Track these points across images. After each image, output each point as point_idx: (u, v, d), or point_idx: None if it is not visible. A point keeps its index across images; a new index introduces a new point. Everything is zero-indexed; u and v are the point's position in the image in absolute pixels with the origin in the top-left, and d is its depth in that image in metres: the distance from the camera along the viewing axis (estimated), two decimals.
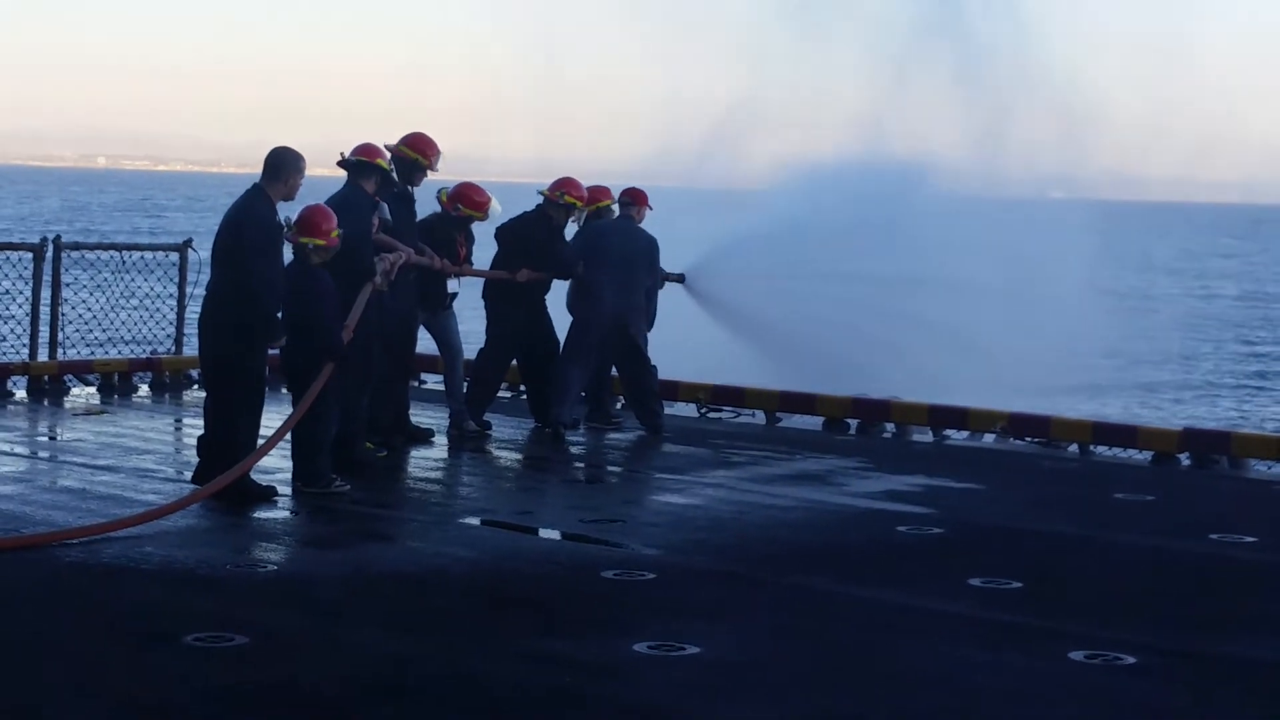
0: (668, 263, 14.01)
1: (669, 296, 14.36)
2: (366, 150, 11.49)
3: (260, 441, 10.06)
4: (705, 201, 17.70)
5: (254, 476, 10.02)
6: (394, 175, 11.78)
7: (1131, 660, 7.09)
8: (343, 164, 11.43)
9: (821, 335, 15.74)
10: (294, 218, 10.31)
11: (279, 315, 10.01)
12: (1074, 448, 13.44)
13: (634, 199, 13.83)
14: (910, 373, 15.30)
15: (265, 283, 9.80)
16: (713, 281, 14.94)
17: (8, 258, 15.27)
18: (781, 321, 15.55)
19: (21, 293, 15.08)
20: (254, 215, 9.90)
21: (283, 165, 10.03)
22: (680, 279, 14.88)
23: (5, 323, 15.38)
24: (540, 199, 13.52)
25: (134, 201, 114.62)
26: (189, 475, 10.68)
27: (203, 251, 16.65)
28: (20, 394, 14.51)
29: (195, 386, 15.57)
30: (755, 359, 15.78)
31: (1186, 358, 31.62)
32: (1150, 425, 13.41)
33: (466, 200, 12.84)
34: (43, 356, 14.77)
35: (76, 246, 15.50)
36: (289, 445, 10.40)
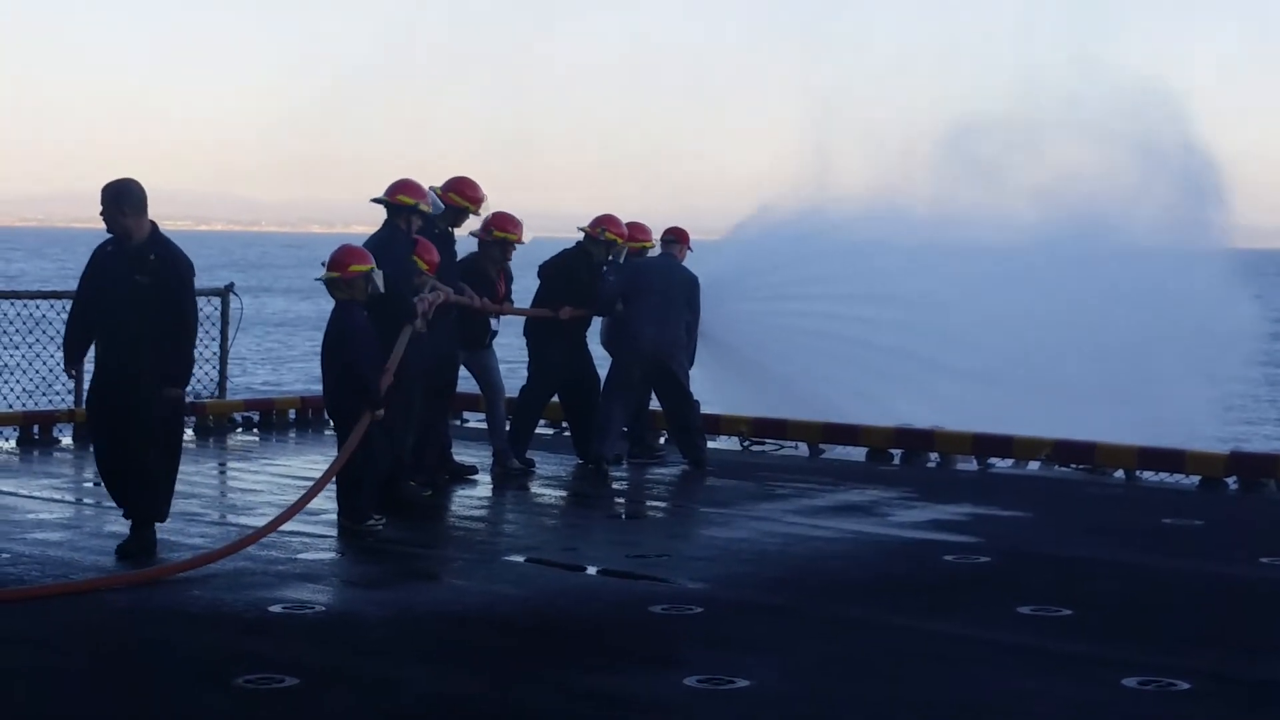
0: None
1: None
2: (406, 188, 11.48)
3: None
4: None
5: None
6: (434, 218, 11.82)
7: (1186, 686, 7.03)
8: (380, 201, 11.45)
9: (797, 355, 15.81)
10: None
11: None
12: (1120, 473, 13.37)
13: (677, 237, 13.90)
14: (866, 395, 15.37)
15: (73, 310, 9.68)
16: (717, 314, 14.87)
17: (53, 305, 15.36)
18: (757, 346, 15.59)
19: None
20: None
21: None
22: None
23: (52, 370, 15.47)
24: (581, 235, 13.59)
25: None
26: (234, 519, 10.75)
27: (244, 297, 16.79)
28: (66, 440, 14.60)
29: (239, 430, 15.66)
30: (740, 387, 15.81)
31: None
32: (1197, 450, 13.29)
33: (499, 225, 12.88)
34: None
35: None
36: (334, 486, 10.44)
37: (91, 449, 9.81)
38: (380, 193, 11.48)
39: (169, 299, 9.44)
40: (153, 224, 9.56)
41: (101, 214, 9.50)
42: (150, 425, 9.48)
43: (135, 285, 9.38)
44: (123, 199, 9.48)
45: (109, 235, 9.63)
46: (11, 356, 15.33)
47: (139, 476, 9.55)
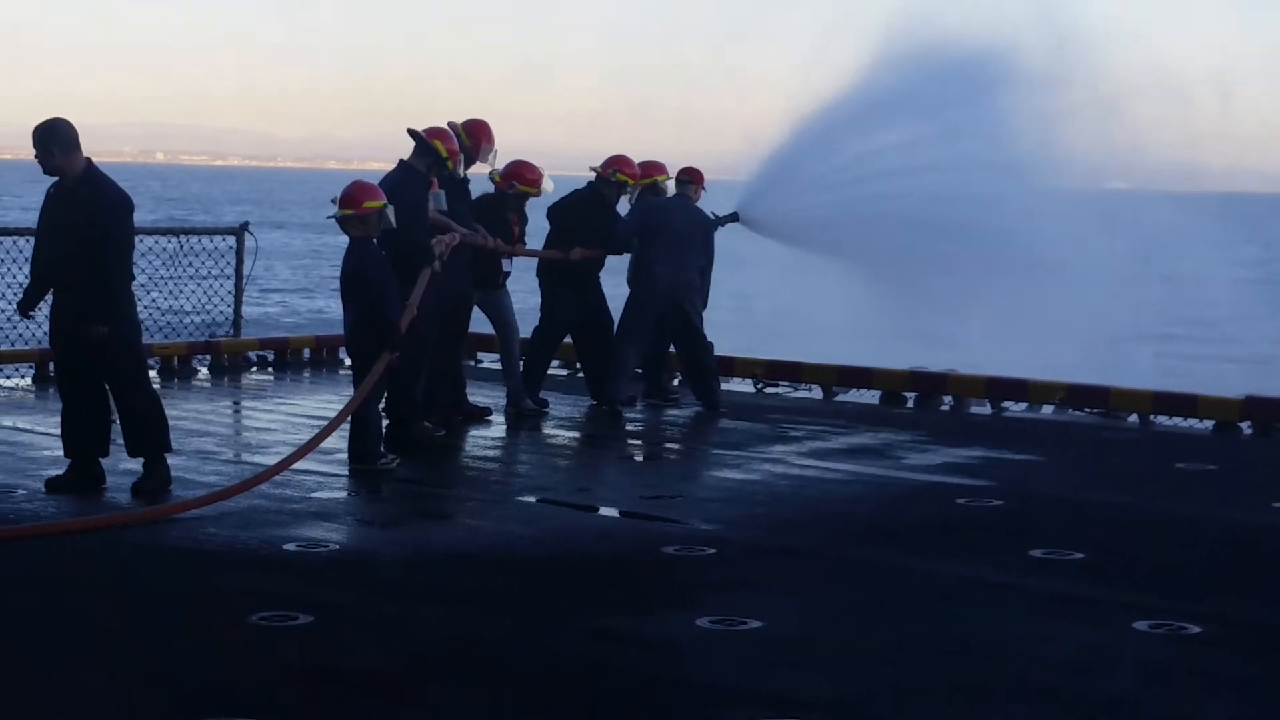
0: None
1: (722, 274, 14.31)
2: (443, 135, 11.50)
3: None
4: None
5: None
6: (449, 166, 11.77)
7: (1196, 629, 7.05)
8: (411, 133, 11.47)
9: (884, 232, 15.38)
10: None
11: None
12: (1134, 418, 13.37)
13: (691, 178, 13.84)
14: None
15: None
16: (766, 206, 14.64)
17: None
18: (844, 225, 15.24)
19: None
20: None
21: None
22: (734, 218, 14.67)
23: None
24: (593, 176, 13.55)
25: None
26: (248, 458, 10.80)
27: (270, 237, 16.79)
28: None
29: (254, 369, 15.69)
30: (834, 273, 15.53)
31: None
32: (1211, 395, 13.28)
33: (520, 178, 12.89)
34: None
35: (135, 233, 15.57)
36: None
37: (62, 389, 9.79)
38: (414, 128, 11.49)
39: (94, 236, 9.40)
40: (87, 160, 9.53)
41: (36, 156, 9.46)
42: (113, 365, 9.53)
43: (72, 223, 9.42)
44: (51, 139, 9.43)
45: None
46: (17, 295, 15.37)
47: (124, 417, 9.69)
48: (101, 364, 9.51)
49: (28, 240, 15.29)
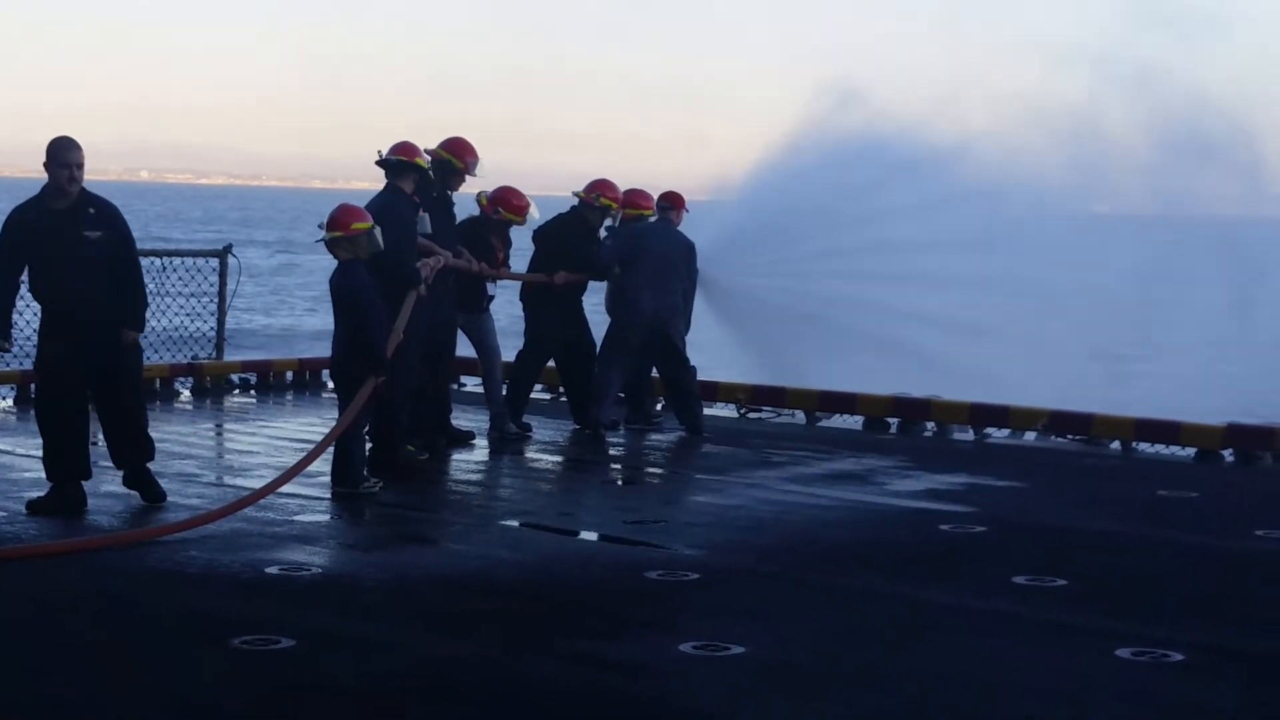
0: None
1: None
2: (404, 149, 11.51)
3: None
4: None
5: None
6: (432, 176, 11.83)
7: (1179, 657, 7.05)
8: (381, 163, 11.47)
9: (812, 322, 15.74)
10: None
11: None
12: (1116, 445, 13.39)
13: (672, 203, 13.88)
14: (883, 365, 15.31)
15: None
16: (715, 271, 14.80)
17: None
18: (774, 310, 15.53)
19: None
20: (9, 213, 9.75)
21: (46, 158, 9.62)
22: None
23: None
24: (576, 201, 13.58)
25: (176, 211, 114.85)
26: (231, 480, 10.78)
27: (241, 257, 16.76)
28: None
29: (236, 391, 15.66)
30: (746, 350, 15.79)
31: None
32: (1193, 422, 13.31)
33: (506, 204, 12.90)
34: None
35: None
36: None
37: (57, 413, 9.76)
38: (382, 156, 11.49)
39: (118, 249, 9.67)
40: None
41: (63, 171, 9.49)
42: (130, 374, 9.87)
43: (85, 241, 9.54)
44: (81, 159, 9.58)
45: (35, 196, 9.66)
46: None
47: (133, 425, 9.87)
48: (120, 374, 9.73)
49: None
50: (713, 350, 15.39)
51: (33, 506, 9.58)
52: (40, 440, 9.88)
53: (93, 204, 9.66)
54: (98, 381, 9.72)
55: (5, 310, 9.65)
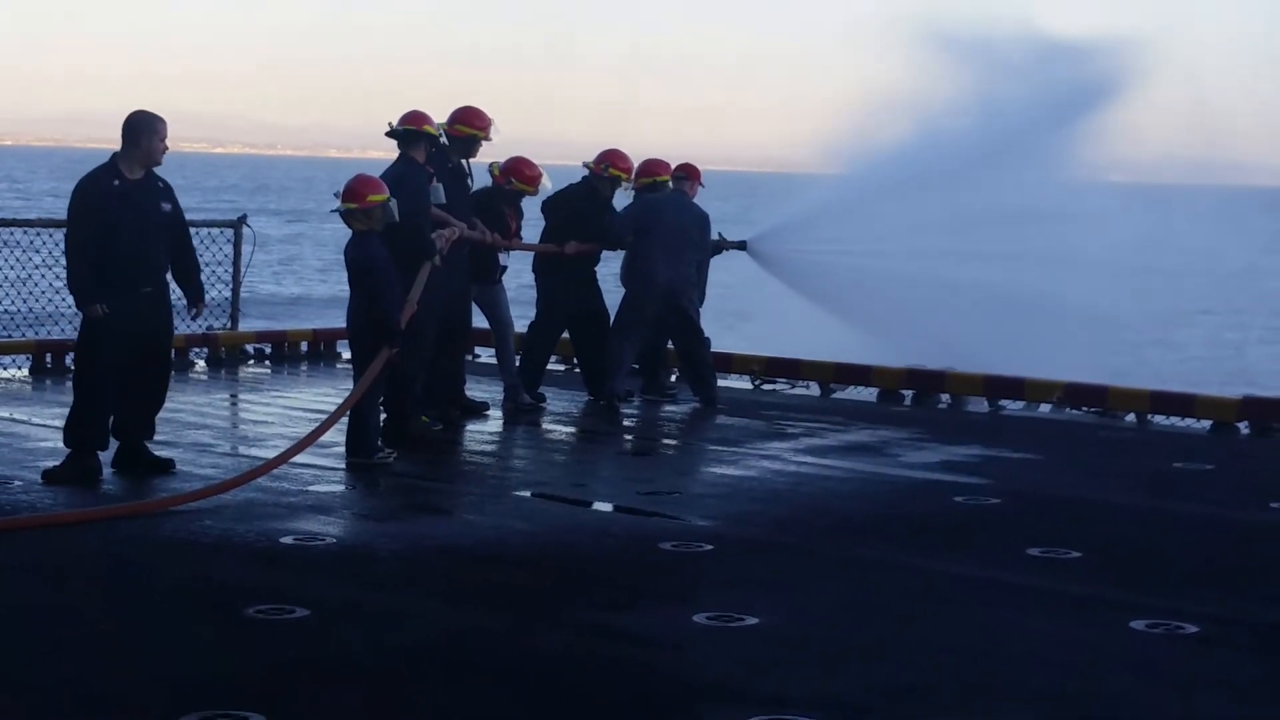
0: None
1: (724, 270, 14.34)
2: (412, 118, 11.51)
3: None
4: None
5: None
6: (445, 144, 11.83)
7: (1193, 629, 7.04)
8: (392, 134, 11.46)
9: (887, 303, 15.70)
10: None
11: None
12: (1131, 417, 13.37)
13: (688, 174, 13.85)
14: (971, 342, 15.23)
15: (66, 244, 9.75)
16: (779, 247, 14.91)
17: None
18: (847, 287, 15.48)
19: None
20: (82, 180, 9.77)
21: (134, 129, 9.73)
22: (741, 246, 14.92)
23: (65, 300, 15.47)
24: (586, 172, 13.56)
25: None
26: (245, 450, 10.79)
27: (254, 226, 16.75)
28: None
29: (251, 362, 15.68)
30: (821, 319, 15.78)
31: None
32: (1208, 394, 13.28)
33: (519, 174, 12.88)
34: None
35: None
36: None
37: (92, 377, 9.77)
38: (392, 127, 11.48)
39: (179, 222, 10.06)
40: None
41: (161, 144, 9.78)
42: (170, 344, 10.35)
43: (159, 211, 9.83)
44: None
45: (107, 164, 9.73)
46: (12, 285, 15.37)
47: (159, 395, 10.08)
48: (165, 342, 10.15)
49: (25, 232, 15.38)
50: (727, 321, 15.37)
51: (49, 476, 9.60)
52: (72, 403, 9.85)
53: (159, 178, 9.90)
54: (141, 348, 9.81)
55: (90, 276, 9.67)
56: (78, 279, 9.66)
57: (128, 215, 9.64)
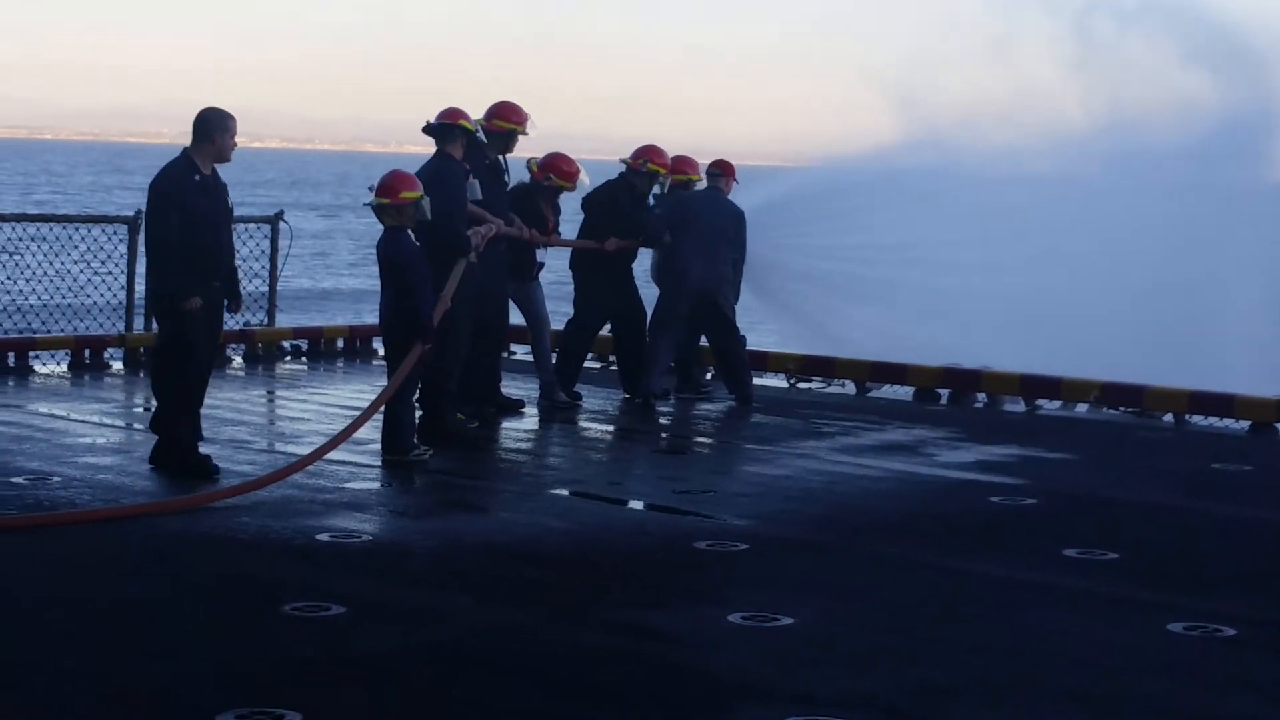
0: None
1: None
2: (451, 114, 11.53)
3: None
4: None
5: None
6: (482, 139, 11.84)
7: (1231, 632, 7.01)
8: (428, 129, 11.48)
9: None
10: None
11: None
12: (1169, 417, 13.30)
13: (722, 170, 13.83)
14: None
15: (152, 240, 9.75)
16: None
17: (104, 230, 15.48)
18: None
19: (116, 265, 15.24)
20: (161, 175, 9.82)
21: (208, 126, 9.79)
22: None
23: (103, 295, 15.57)
24: (623, 168, 13.56)
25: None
26: (282, 447, 10.83)
27: (289, 221, 16.79)
28: (117, 365, 14.70)
29: (287, 358, 15.74)
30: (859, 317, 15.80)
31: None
32: (1247, 395, 13.20)
33: (557, 170, 12.88)
34: (138, 328, 14.94)
35: None
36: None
37: (188, 372, 9.83)
38: (429, 124, 11.50)
39: (232, 219, 10.33)
40: None
41: (233, 141, 9.89)
42: (218, 343, 10.66)
43: (230, 209, 10.08)
44: None
45: (181, 160, 9.83)
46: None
47: (201, 393, 10.12)
48: (215, 344, 10.31)
49: (63, 227, 15.47)
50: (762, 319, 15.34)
51: (209, 469, 9.76)
52: (164, 397, 9.90)
53: (219, 176, 10.00)
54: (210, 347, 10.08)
55: (187, 268, 9.72)
56: (173, 273, 9.68)
57: (208, 209, 9.75)
